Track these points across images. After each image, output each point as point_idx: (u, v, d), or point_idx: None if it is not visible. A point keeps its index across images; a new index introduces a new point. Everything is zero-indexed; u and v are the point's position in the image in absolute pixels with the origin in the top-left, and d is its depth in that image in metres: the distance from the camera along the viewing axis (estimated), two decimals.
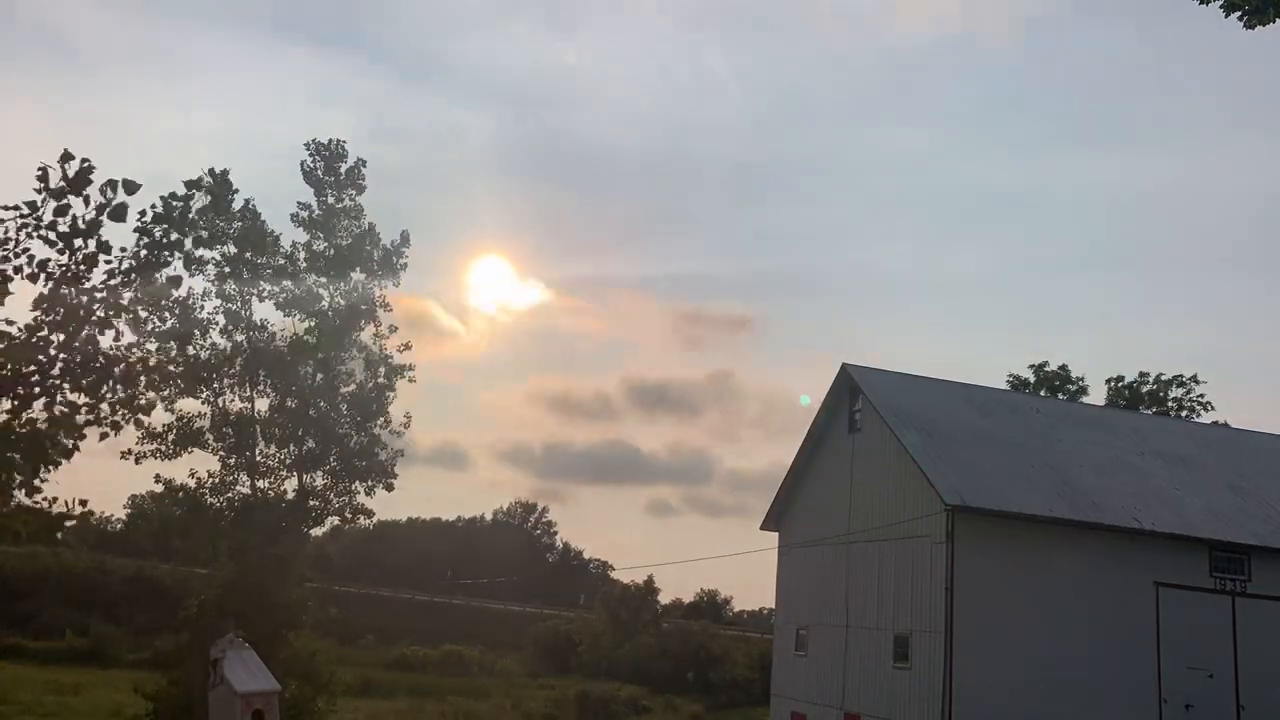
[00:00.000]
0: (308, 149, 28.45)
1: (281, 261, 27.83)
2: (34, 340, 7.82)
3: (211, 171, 9.05)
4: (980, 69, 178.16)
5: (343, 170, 28.50)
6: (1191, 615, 28.02)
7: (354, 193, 28.59)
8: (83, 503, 8.38)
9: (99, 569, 62.24)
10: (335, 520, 29.02)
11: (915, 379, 34.14)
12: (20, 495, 8.25)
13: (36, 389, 7.88)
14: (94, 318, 7.98)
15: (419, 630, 67.60)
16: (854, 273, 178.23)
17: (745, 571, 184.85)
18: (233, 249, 27.22)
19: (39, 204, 7.71)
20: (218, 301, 27.17)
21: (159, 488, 27.52)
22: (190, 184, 8.37)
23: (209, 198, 24.21)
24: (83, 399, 8.13)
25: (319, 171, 28.41)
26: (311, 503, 27.70)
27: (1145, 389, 56.70)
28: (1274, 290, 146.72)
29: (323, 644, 28.87)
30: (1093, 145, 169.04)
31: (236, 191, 26.42)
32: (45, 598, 55.63)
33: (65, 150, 7.67)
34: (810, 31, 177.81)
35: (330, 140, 28.56)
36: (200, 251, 21.80)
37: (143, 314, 8.38)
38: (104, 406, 8.23)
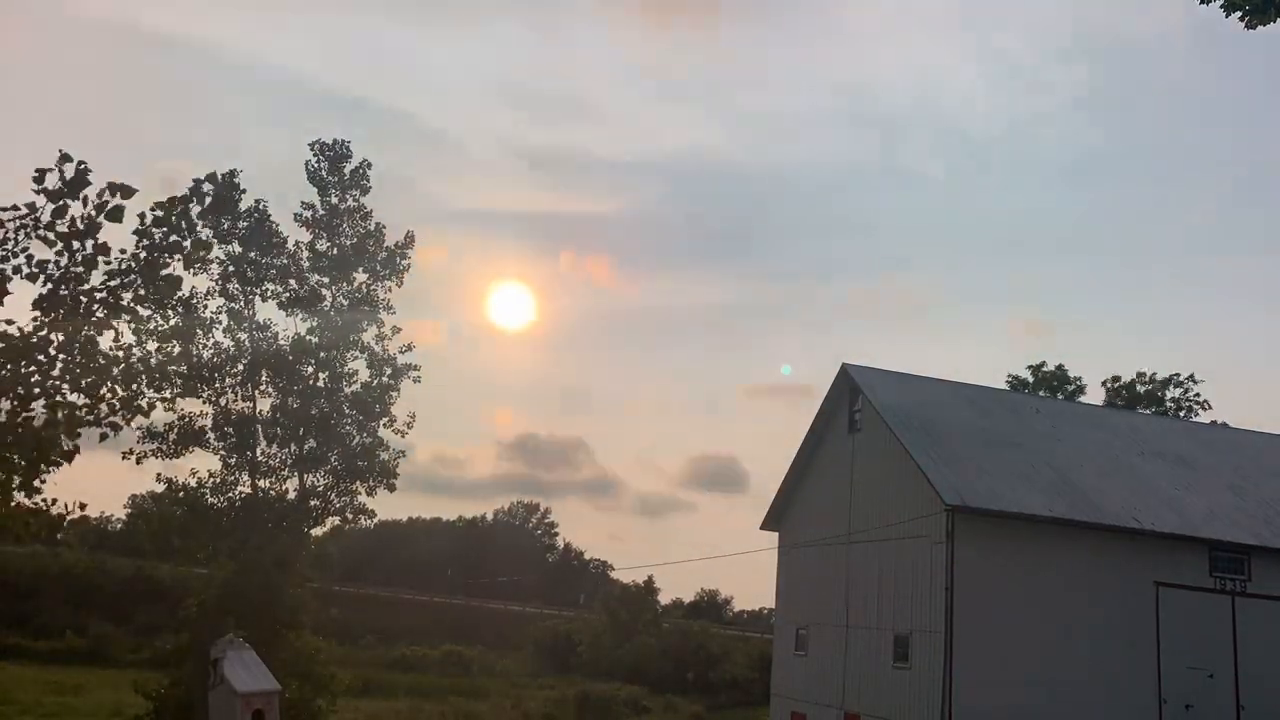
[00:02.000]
0: (312, 149, 28.49)
1: (285, 261, 27.88)
2: (34, 340, 7.82)
3: (214, 176, 8.94)
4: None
5: (347, 171, 28.52)
6: (1191, 615, 28.03)
7: (358, 193, 28.62)
8: (82, 505, 8.39)
9: (99, 569, 62.16)
10: (336, 520, 29.07)
11: (915, 379, 34.14)
12: (20, 496, 8.25)
13: (36, 389, 7.88)
14: (94, 318, 7.98)
15: (419, 630, 67.58)
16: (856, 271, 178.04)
17: (745, 571, 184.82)
18: (237, 248, 27.30)
19: (38, 205, 7.72)
20: (221, 301, 27.28)
21: (160, 487, 27.57)
22: (193, 189, 8.38)
23: (208, 201, 24.37)
24: (82, 399, 8.13)
25: (323, 172, 28.45)
26: (312, 503, 27.71)
27: (1143, 389, 56.77)
28: (1274, 290, 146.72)
29: (323, 644, 28.84)
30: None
31: (244, 191, 26.61)
32: (45, 598, 55.59)
33: (62, 152, 7.68)
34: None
35: (335, 140, 28.61)
36: (202, 252, 21.85)
37: (144, 313, 8.38)
38: (103, 407, 8.23)
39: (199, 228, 8.36)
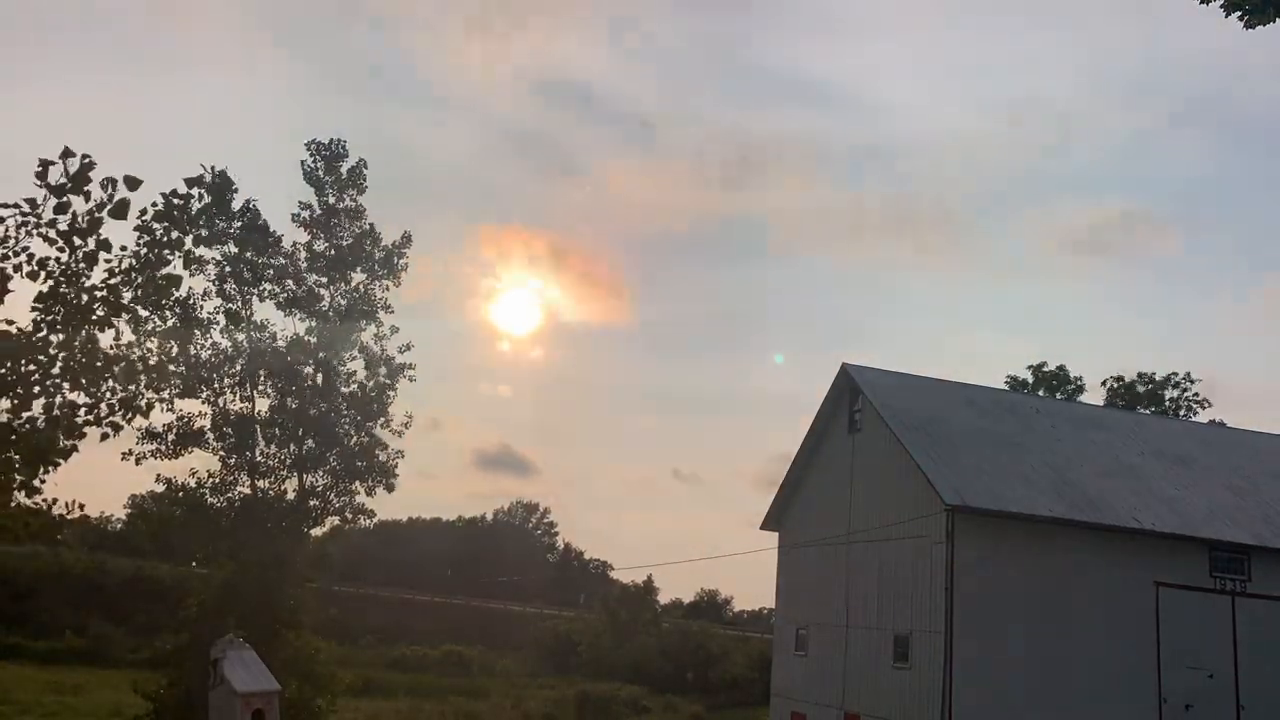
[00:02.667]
0: (308, 148, 28.50)
1: (282, 261, 27.88)
2: (34, 339, 7.80)
3: (212, 169, 8.85)
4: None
5: (344, 170, 28.52)
6: (1191, 615, 28.02)
7: (355, 193, 28.62)
8: (80, 505, 8.37)
9: (99, 569, 62.09)
10: (335, 520, 29.09)
11: (915, 379, 34.14)
12: (20, 496, 8.23)
13: (36, 388, 7.85)
14: (94, 316, 7.95)
15: (419, 630, 67.58)
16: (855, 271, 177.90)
17: (745, 571, 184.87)
18: (233, 249, 27.29)
19: (39, 201, 7.68)
20: (218, 301, 27.28)
21: (160, 487, 27.59)
22: (191, 181, 8.34)
23: (209, 196, 24.44)
24: (82, 398, 8.11)
25: (319, 171, 28.46)
26: (311, 503, 27.72)
27: (1143, 389, 56.79)
28: (1275, 290, 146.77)
29: (323, 644, 28.87)
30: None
31: (237, 191, 26.62)
32: (45, 598, 55.51)
33: (65, 147, 7.64)
34: None
35: (331, 140, 28.61)
36: (200, 250, 21.84)
37: (143, 313, 8.36)
38: (104, 406, 8.21)
39: (200, 223, 8.30)
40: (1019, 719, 25.94)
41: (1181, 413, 54.90)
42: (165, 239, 8.13)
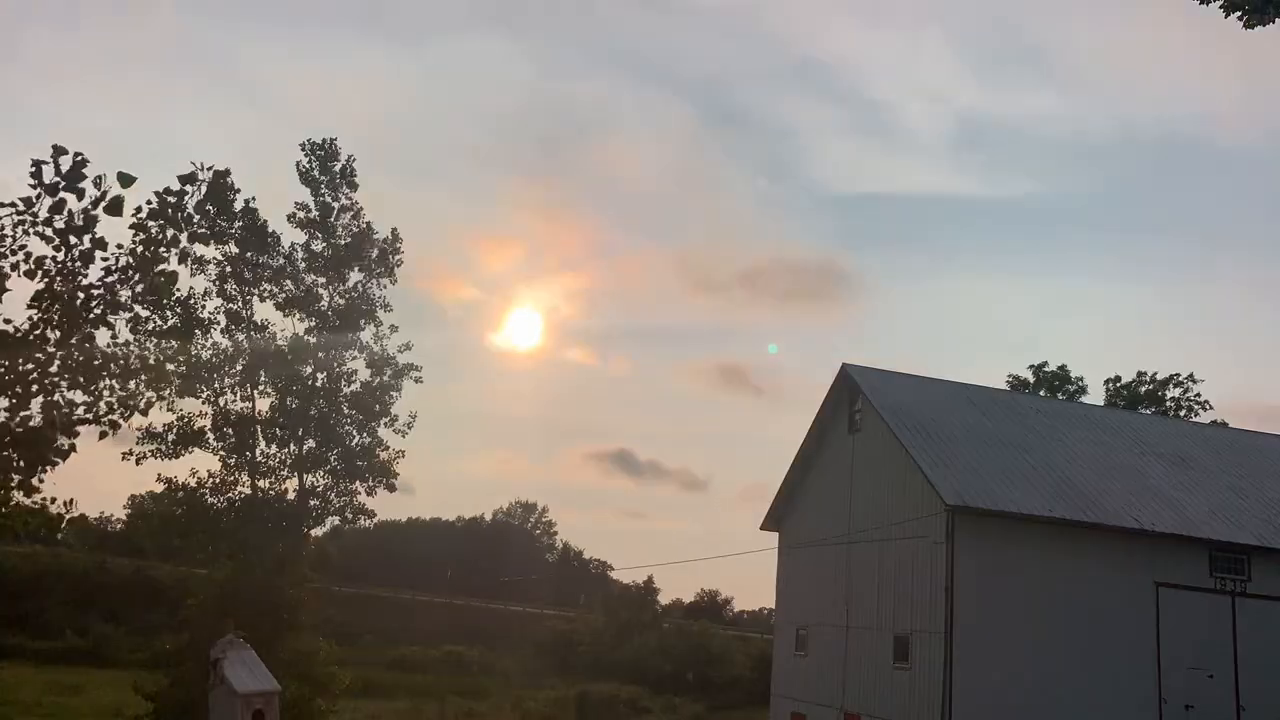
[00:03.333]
0: (302, 149, 28.46)
1: (281, 261, 27.89)
2: (31, 338, 7.79)
3: (206, 167, 8.83)
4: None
5: (336, 169, 28.50)
6: (1191, 615, 28.01)
7: (349, 191, 28.61)
8: (69, 503, 8.35)
9: (99, 569, 62.15)
10: (335, 520, 29.10)
11: (915, 379, 34.15)
12: (19, 495, 8.23)
13: (34, 387, 7.85)
14: (91, 315, 7.95)
15: (419, 630, 67.59)
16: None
17: (745, 571, 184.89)
18: (234, 249, 27.29)
19: (34, 200, 7.67)
20: (219, 301, 27.27)
21: (160, 487, 27.58)
22: (184, 178, 8.34)
23: (204, 191, 24.48)
24: (80, 397, 8.11)
25: (314, 171, 28.42)
26: (312, 503, 27.72)
27: (1143, 389, 56.74)
28: (1275, 289, 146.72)
29: (323, 644, 28.84)
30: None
31: (238, 191, 26.54)
32: (45, 598, 55.52)
33: (55, 145, 7.63)
34: None
35: (324, 139, 28.57)
36: (198, 247, 21.72)
37: (143, 313, 8.36)
38: (102, 405, 8.20)
39: (195, 220, 8.31)
40: (1019, 719, 25.93)
41: (1183, 413, 54.85)
42: (161, 237, 8.13)
